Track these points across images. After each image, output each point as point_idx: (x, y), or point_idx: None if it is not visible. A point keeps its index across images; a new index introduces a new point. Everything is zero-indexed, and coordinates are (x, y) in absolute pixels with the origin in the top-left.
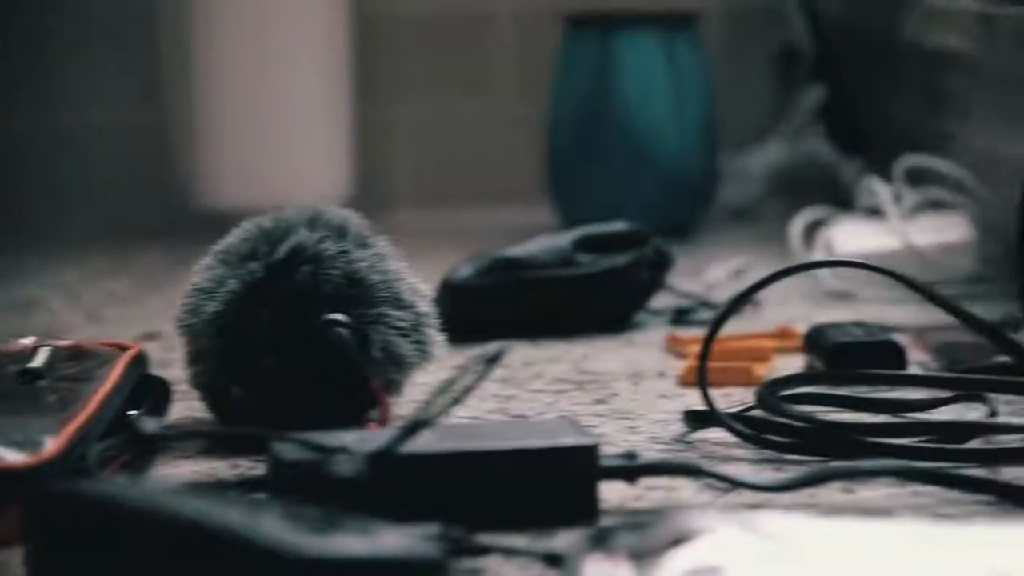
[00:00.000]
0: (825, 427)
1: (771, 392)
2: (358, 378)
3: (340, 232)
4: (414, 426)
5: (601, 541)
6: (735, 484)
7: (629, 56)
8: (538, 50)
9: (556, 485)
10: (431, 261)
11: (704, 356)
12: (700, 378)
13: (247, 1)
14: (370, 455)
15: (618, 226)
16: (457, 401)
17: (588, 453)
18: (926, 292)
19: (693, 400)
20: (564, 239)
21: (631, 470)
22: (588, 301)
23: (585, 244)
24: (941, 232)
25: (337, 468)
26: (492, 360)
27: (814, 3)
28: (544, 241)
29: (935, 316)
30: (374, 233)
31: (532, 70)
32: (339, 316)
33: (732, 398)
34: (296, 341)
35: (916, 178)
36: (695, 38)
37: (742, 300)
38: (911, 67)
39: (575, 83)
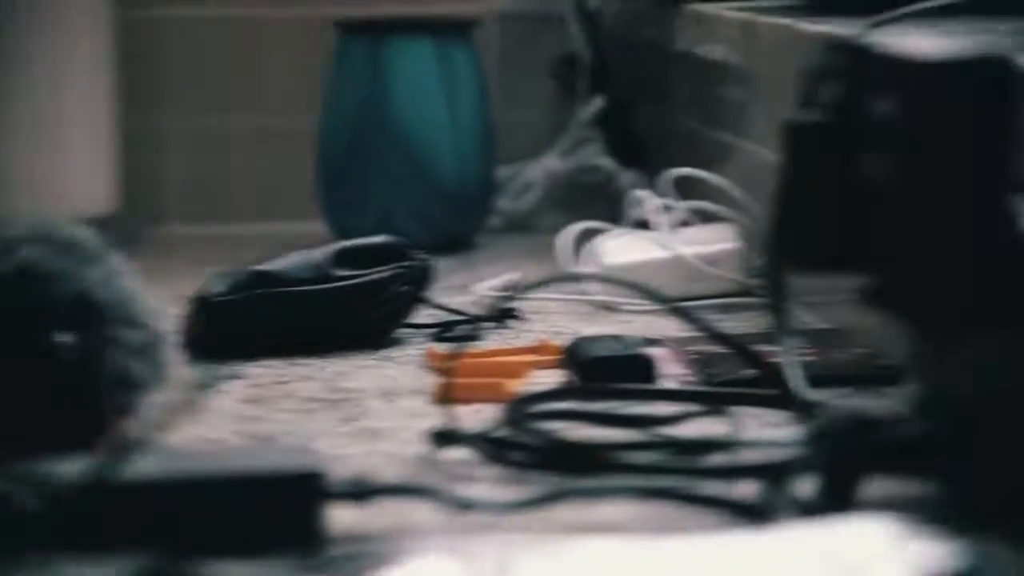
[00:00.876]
0: (564, 445)
1: (520, 409)
2: (88, 401)
3: (69, 249)
4: (119, 454)
5: (313, 568)
6: (468, 505)
7: (402, 64)
8: (312, 58)
9: (278, 511)
10: (201, 277)
11: (451, 373)
12: (444, 395)
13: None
14: (72, 485)
15: (378, 240)
16: (168, 424)
17: (311, 478)
18: (670, 304)
19: (454, 418)
20: (322, 253)
21: (360, 493)
22: (345, 316)
23: (344, 258)
24: (709, 243)
25: (24, 501)
26: (211, 381)
27: (592, 12)
28: (301, 256)
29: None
30: (108, 249)
31: (305, 79)
32: (67, 337)
33: (485, 415)
34: (21, 363)
35: (688, 189)
36: (471, 46)
37: (496, 316)
38: (685, 77)
39: (347, 93)
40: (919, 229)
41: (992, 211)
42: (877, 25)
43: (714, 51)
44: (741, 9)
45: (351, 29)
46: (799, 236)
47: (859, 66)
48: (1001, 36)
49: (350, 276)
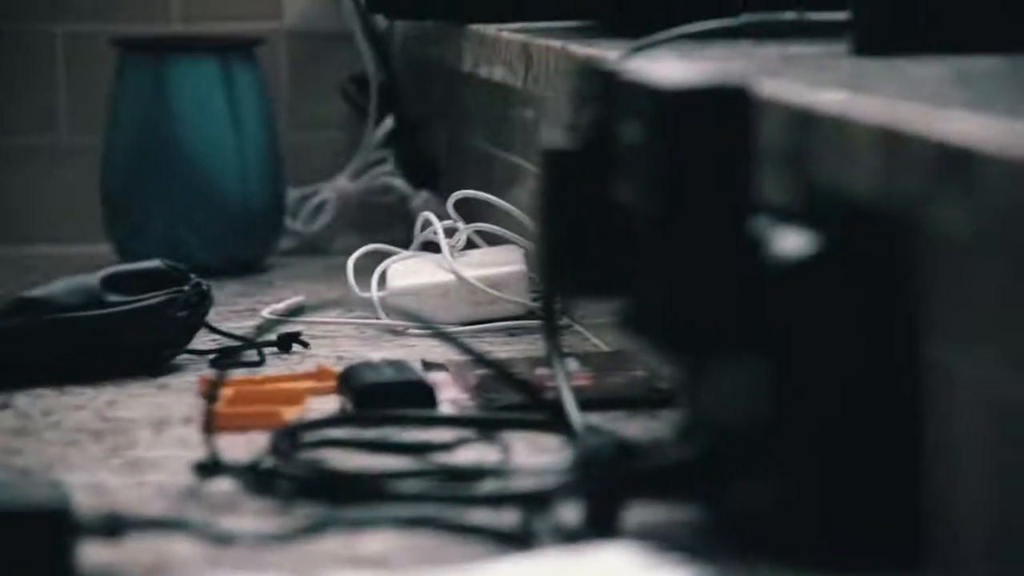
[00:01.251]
0: (329, 474)
1: (288, 437)
2: None
3: None
4: None
5: None
6: (227, 538)
7: (185, 84)
8: (96, 76)
9: (24, 549)
10: None
11: (216, 400)
12: (207, 424)
13: None
14: None
15: (150, 264)
16: None
17: (58, 515)
18: (437, 329)
19: (218, 447)
20: (93, 278)
21: (113, 529)
22: (118, 343)
23: (115, 283)
24: (494, 266)
25: None
26: None
27: (381, 32)
28: (71, 280)
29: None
30: None
31: (90, 97)
32: None
33: (257, 444)
34: None
35: (477, 211)
36: (256, 66)
37: (278, 341)
38: (473, 98)
39: (130, 112)
40: (666, 254)
41: (735, 235)
42: (638, 50)
43: (496, 73)
44: (519, 30)
45: (133, 47)
46: (563, 261)
47: (612, 92)
48: (754, 62)
49: (122, 302)
